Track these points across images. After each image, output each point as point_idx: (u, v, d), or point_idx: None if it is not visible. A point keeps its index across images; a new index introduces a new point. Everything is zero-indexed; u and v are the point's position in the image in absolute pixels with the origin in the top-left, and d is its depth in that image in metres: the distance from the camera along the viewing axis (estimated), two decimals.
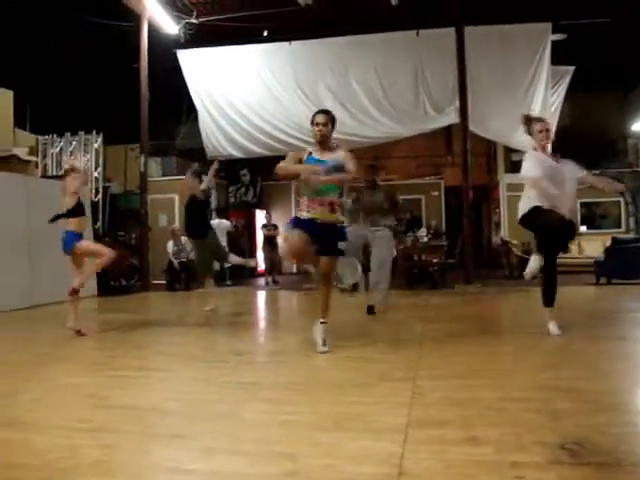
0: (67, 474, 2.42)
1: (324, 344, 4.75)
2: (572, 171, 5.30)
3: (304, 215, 4.81)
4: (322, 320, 4.85)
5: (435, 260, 11.40)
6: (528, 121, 5.48)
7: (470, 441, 2.65)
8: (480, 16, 11.11)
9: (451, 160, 16.02)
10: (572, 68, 12.79)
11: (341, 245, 4.81)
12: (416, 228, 13.75)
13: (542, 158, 5.25)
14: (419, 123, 11.85)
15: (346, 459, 2.49)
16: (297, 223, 4.81)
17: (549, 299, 5.41)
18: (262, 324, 7.48)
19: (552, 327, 5.27)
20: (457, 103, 11.30)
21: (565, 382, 3.64)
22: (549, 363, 4.29)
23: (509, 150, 15.13)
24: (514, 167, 15.84)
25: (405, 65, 11.79)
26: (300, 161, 4.86)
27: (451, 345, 5.09)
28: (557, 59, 11.67)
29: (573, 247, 13.91)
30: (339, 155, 4.82)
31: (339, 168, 4.67)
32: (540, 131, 5.32)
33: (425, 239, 12.54)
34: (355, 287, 7.57)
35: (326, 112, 4.96)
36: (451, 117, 11.61)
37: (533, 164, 5.19)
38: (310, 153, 4.89)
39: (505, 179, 15.73)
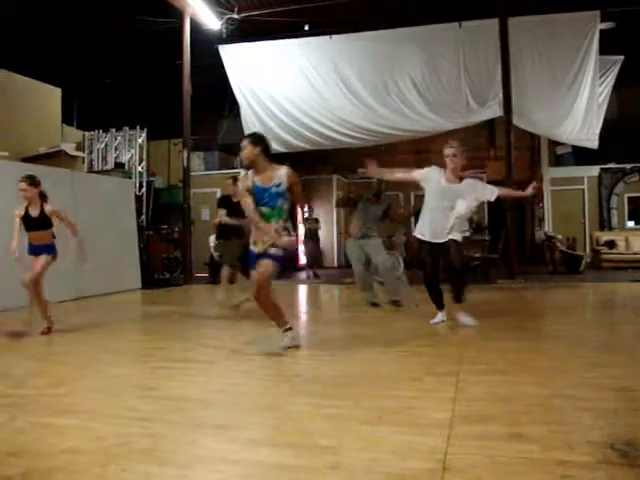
0: (119, 460, 2.50)
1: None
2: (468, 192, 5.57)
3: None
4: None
5: (477, 255, 11.26)
6: None
7: (516, 438, 2.63)
8: (524, 5, 10.89)
9: (494, 154, 15.78)
10: (621, 58, 12.44)
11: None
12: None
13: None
14: (462, 116, 11.71)
15: (390, 453, 2.50)
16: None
17: None
18: (303, 317, 7.51)
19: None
20: (500, 96, 11.13)
21: (614, 380, 3.56)
22: (597, 361, 4.20)
23: (553, 143, 14.84)
24: (558, 160, 15.55)
25: (447, 58, 11.64)
26: (249, 191, 4.68)
27: (494, 340, 5.04)
28: (605, 48, 11.36)
29: (620, 243, 13.63)
30: (280, 175, 4.64)
31: (280, 194, 4.61)
32: (447, 156, 5.65)
33: (467, 234, 12.38)
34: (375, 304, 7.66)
35: (249, 136, 4.78)
36: (494, 110, 11.43)
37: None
38: (254, 181, 4.67)
39: (549, 173, 15.44)
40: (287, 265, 5.00)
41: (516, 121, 11.13)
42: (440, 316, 5.99)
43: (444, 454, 2.45)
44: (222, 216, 7.44)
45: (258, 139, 4.69)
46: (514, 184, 9.91)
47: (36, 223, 5.90)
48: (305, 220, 14.14)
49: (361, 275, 7.58)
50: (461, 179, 5.64)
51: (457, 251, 5.62)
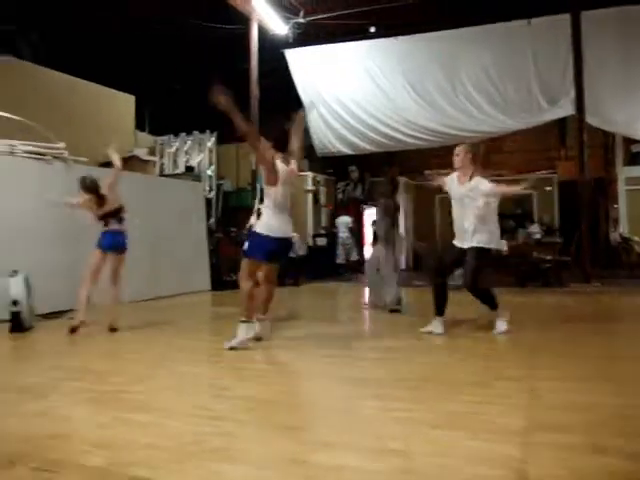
0: (194, 458, 2.57)
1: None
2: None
3: None
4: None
5: (548, 257, 10.95)
6: None
7: (596, 449, 2.54)
8: None
9: (565, 153, 15.30)
10: None
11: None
12: (528, 224, 13.27)
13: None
14: (531, 116, 11.42)
15: (462, 459, 2.47)
16: None
17: None
18: (372, 319, 7.50)
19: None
20: (572, 94, 10.79)
21: None
22: None
23: (629, 141, 14.25)
24: (634, 159, 14.92)
25: (516, 56, 11.38)
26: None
27: (567, 346, 4.90)
28: None
29: None
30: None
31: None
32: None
33: (537, 235, 12.08)
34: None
35: None
36: (566, 109, 11.08)
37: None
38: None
39: (624, 172, 14.83)
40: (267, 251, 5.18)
41: (589, 119, 10.77)
42: (435, 324, 5.53)
43: (520, 462, 2.40)
44: None
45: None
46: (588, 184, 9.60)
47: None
48: (373, 223, 14.09)
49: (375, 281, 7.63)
50: (471, 178, 5.46)
51: (473, 260, 5.32)
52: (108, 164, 9.37)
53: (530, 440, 2.66)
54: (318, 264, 12.72)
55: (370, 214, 15.77)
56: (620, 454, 2.48)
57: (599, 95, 10.84)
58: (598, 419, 2.95)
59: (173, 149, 13.46)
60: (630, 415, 3.01)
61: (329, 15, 12.20)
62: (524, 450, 2.54)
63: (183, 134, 13.41)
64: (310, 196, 14.10)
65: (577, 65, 10.61)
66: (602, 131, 12.86)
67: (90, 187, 6.16)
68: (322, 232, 14.41)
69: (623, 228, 14.29)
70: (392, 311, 7.14)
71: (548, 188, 15.55)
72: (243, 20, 12.29)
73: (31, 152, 7.82)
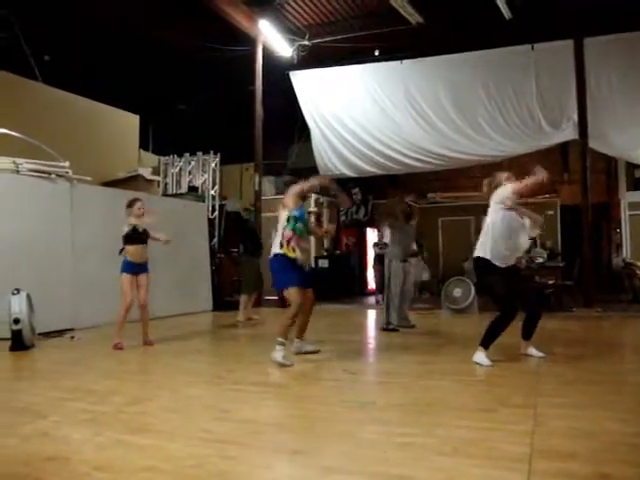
0: None
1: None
2: None
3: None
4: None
5: (551, 282, 10.91)
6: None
7: (602, 478, 2.50)
8: (600, 25, 10.61)
9: (567, 178, 15.33)
10: None
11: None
12: (531, 247, 13.23)
13: None
14: (534, 140, 11.44)
15: None
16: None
17: None
18: (373, 343, 7.46)
19: None
20: (575, 118, 10.84)
21: None
22: None
23: (632, 166, 14.28)
24: (637, 184, 14.93)
25: (520, 80, 11.45)
26: None
27: (571, 371, 4.86)
28: None
29: None
30: None
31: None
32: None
33: (540, 260, 12.05)
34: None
35: None
36: (569, 133, 11.12)
37: None
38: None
39: (627, 197, 14.83)
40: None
41: (592, 143, 10.80)
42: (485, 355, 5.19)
43: None
44: None
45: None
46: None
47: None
48: (375, 245, 14.10)
49: (398, 298, 7.81)
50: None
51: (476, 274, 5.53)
52: (110, 183, 9.47)
53: (534, 468, 2.62)
54: (321, 286, 12.65)
55: (372, 236, 15.83)
56: None
57: (602, 120, 10.88)
58: (602, 447, 2.91)
59: (177, 169, 13.49)
60: (635, 443, 2.98)
61: (334, 38, 12.32)
62: (527, 478, 2.51)
63: (187, 154, 13.45)
64: (313, 218, 14.10)
65: (580, 90, 10.67)
66: (605, 156, 12.91)
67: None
68: (324, 254, 14.41)
69: (626, 253, 14.26)
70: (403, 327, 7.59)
71: (550, 212, 15.56)
72: (249, 42, 12.41)
73: (35, 170, 7.86)
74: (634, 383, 4.55)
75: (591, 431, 3.17)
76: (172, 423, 3.47)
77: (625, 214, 14.65)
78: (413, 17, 10.97)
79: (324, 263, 13.78)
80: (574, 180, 13.01)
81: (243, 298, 9.23)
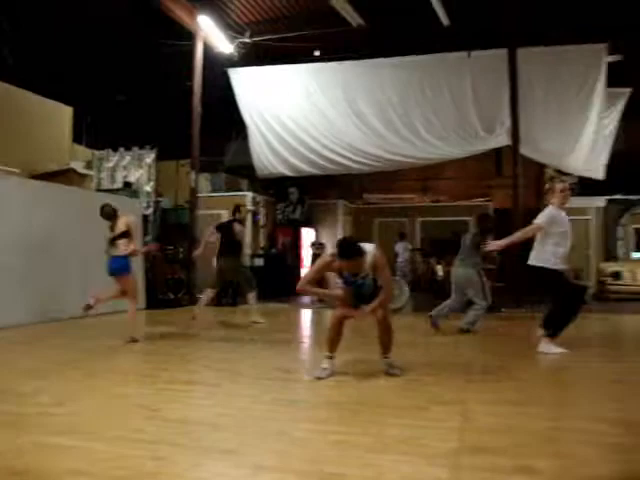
0: None
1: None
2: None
3: None
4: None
5: None
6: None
7: (523, 470, 2.60)
8: (533, 37, 10.99)
9: (500, 182, 15.80)
10: (628, 90, 12.50)
11: None
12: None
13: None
14: (470, 144, 11.73)
15: None
16: None
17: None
18: (307, 342, 7.47)
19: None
20: (508, 124, 11.17)
21: (628, 415, 3.52)
22: (611, 394, 4.15)
23: (561, 174, 14.83)
24: None
25: (456, 86, 11.71)
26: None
27: (500, 370, 4.98)
28: (613, 81, 11.42)
29: (626, 274, 13.56)
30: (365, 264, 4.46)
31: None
32: (562, 190, 5.75)
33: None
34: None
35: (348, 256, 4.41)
36: (502, 139, 11.44)
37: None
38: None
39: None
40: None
41: (523, 150, 11.14)
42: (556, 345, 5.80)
43: None
44: None
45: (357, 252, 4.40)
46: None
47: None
48: (311, 245, 14.13)
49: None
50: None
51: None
52: (40, 176, 9.10)
53: (459, 462, 2.69)
54: (257, 284, 12.58)
55: (308, 236, 15.87)
56: (546, 474, 2.55)
57: (533, 127, 11.24)
58: (525, 441, 3.01)
59: (111, 164, 13.13)
60: (559, 438, 3.09)
61: (275, 37, 12.27)
62: (453, 472, 2.58)
63: (122, 149, 13.11)
64: (249, 216, 14.01)
65: (512, 98, 10.98)
66: (537, 163, 13.36)
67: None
68: (260, 252, 14.34)
69: None
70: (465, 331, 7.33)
71: None
72: (190, 36, 12.21)
73: None
74: (559, 381, 4.74)
75: (516, 426, 3.27)
76: (100, 423, 3.36)
77: None
78: (354, 19, 11.06)
79: (259, 262, 13.73)
80: (506, 185, 13.40)
81: (209, 293, 8.85)
